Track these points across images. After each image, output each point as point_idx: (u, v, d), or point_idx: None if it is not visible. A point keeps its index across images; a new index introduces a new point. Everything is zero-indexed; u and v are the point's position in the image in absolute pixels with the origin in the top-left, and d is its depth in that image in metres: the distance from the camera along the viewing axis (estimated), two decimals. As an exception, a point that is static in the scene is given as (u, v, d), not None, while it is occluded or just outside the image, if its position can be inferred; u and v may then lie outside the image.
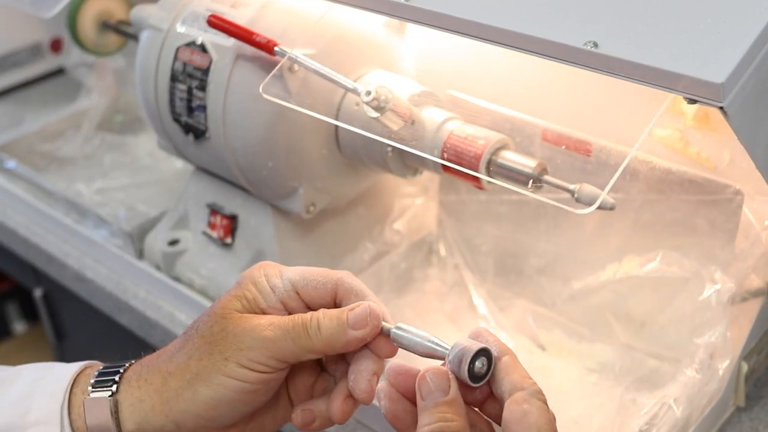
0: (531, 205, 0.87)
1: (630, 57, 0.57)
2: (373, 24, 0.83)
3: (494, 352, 0.56)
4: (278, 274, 0.62)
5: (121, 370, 0.62)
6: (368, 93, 0.72)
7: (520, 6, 0.63)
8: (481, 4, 0.64)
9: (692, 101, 0.56)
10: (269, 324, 0.59)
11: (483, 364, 0.56)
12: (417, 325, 0.89)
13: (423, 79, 0.83)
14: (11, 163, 1.16)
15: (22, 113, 1.33)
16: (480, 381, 0.56)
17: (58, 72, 1.43)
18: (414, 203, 0.97)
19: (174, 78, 0.86)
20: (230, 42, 0.81)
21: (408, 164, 0.82)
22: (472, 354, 0.55)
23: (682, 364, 0.73)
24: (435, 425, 0.54)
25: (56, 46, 1.41)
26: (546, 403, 0.54)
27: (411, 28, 0.84)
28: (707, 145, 0.76)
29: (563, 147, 0.80)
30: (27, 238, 1.10)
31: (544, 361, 0.85)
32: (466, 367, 0.55)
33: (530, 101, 0.82)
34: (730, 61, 0.54)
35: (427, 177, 0.95)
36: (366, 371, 0.59)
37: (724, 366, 0.74)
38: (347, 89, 0.74)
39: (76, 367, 0.63)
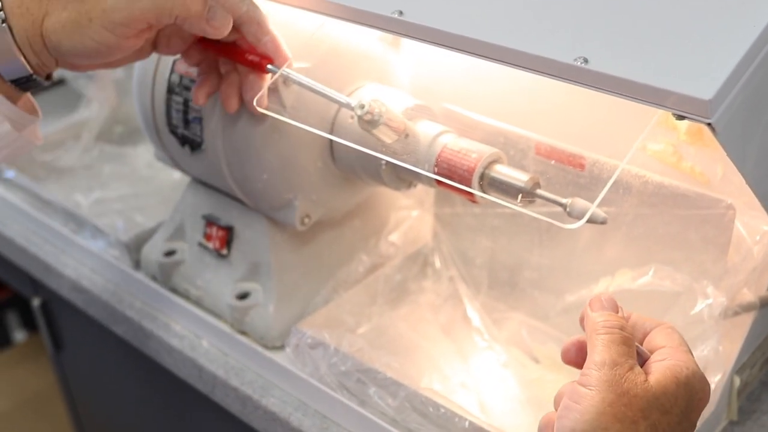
0: (525, 218, 0.87)
1: (619, 73, 0.57)
2: (368, 38, 0.83)
3: None
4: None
5: None
6: (362, 106, 0.72)
7: (511, 21, 0.64)
8: (473, 20, 0.65)
9: (680, 117, 0.56)
10: None
11: None
12: (411, 337, 0.90)
13: (417, 92, 0.83)
14: (10, 173, 1.16)
15: (23, 123, 1.33)
16: None
17: (59, 82, 1.43)
18: (410, 216, 0.97)
19: (170, 90, 0.87)
20: (226, 55, 0.82)
21: (402, 177, 0.82)
22: None
23: (674, 378, 0.73)
24: (607, 323, 0.57)
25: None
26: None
27: (405, 42, 0.85)
28: (700, 160, 0.76)
29: (555, 161, 0.80)
30: (25, 247, 1.11)
31: (538, 374, 0.85)
32: None
33: (524, 115, 0.82)
34: (718, 77, 0.55)
35: (423, 190, 0.95)
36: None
37: (716, 380, 0.74)
38: (341, 104, 0.75)
39: None
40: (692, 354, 0.57)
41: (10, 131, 0.73)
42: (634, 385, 0.54)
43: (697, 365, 0.57)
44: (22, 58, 0.70)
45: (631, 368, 0.55)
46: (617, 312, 0.59)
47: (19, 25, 0.70)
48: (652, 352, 0.58)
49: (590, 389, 0.54)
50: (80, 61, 0.72)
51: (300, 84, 0.76)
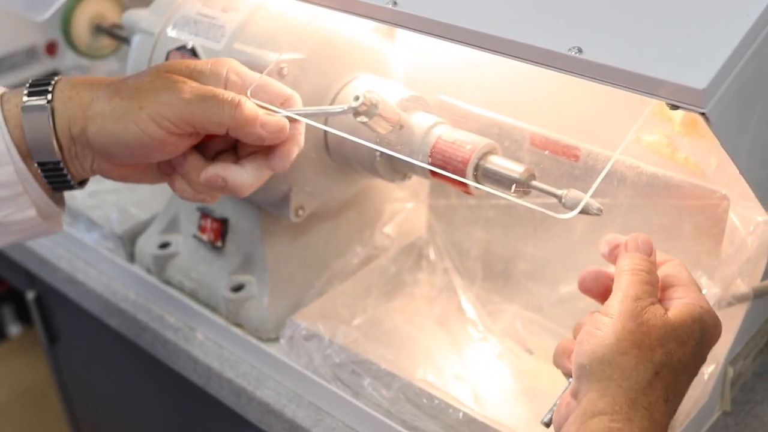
0: (520, 209, 0.87)
1: (613, 62, 0.57)
2: (362, 29, 0.83)
3: None
4: (245, 82, 0.72)
5: (53, 81, 0.71)
6: (357, 98, 0.72)
7: (505, 11, 0.64)
8: (467, 10, 0.65)
9: (674, 107, 0.56)
10: (191, 90, 0.69)
11: None
12: (406, 329, 0.90)
13: (412, 83, 0.83)
14: (4, 166, 1.16)
15: (17, 116, 1.32)
16: None
17: (54, 75, 1.43)
18: (404, 207, 0.97)
19: (165, 82, 0.86)
20: (220, 46, 0.82)
21: (397, 169, 0.82)
22: None
23: (668, 369, 0.73)
24: (636, 266, 0.62)
25: (52, 49, 1.41)
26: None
27: (400, 32, 0.85)
28: (695, 151, 0.76)
29: (549, 152, 0.80)
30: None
31: (532, 365, 0.85)
32: None
33: (519, 106, 0.82)
34: (711, 67, 0.55)
35: (418, 181, 0.95)
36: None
37: (709, 371, 0.74)
38: (339, 113, 0.74)
39: None
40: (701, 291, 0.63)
41: (35, 217, 0.72)
42: (653, 316, 0.58)
43: (708, 304, 0.61)
44: (55, 142, 0.69)
45: (653, 303, 0.59)
46: (650, 255, 0.63)
47: (62, 109, 0.69)
48: (663, 285, 0.63)
49: (612, 317, 0.58)
50: (118, 151, 0.70)
51: (294, 117, 0.75)
